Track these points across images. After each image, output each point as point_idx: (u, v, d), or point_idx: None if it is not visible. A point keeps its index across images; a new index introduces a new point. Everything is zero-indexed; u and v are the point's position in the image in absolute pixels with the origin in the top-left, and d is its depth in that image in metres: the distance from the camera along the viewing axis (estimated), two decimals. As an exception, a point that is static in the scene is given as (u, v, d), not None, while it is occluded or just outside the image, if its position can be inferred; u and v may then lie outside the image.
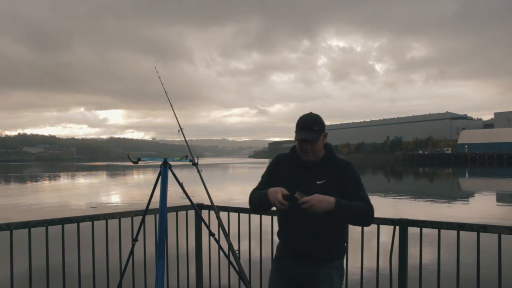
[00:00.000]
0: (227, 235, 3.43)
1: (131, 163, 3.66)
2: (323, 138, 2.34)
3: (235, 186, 31.92)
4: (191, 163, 3.77)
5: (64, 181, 42.93)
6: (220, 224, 3.50)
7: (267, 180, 2.46)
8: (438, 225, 2.88)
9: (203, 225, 3.85)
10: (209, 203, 3.70)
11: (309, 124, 2.30)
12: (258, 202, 2.33)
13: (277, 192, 2.16)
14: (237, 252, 3.37)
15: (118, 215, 3.48)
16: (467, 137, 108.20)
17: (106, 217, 3.39)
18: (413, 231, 2.99)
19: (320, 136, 2.30)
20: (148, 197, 3.51)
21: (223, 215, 3.73)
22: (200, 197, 4.12)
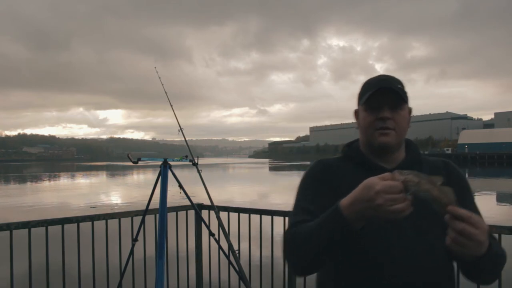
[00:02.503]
0: (227, 235, 3.43)
1: (131, 163, 3.66)
2: (409, 113, 1.43)
3: (235, 186, 31.93)
4: (191, 163, 3.77)
5: (64, 181, 42.93)
6: (220, 224, 3.50)
7: (315, 198, 1.37)
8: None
9: (203, 225, 3.85)
10: (209, 203, 3.70)
11: (389, 80, 1.40)
12: (319, 242, 1.21)
13: (389, 186, 1.08)
14: (237, 252, 3.37)
15: (118, 215, 3.48)
16: (467, 137, 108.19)
17: (106, 217, 3.39)
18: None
19: (407, 102, 1.40)
20: (148, 197, 3.51)
21: (223, 215, 3.72)
22: (200, 197, 4.12)
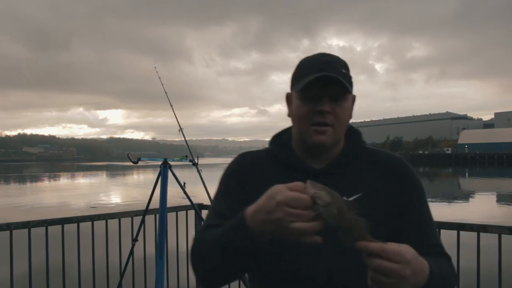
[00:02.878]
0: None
1: (131, 163, 3.67)
2: (352, 102, 1.23)
3: (235, 186, 31.85)
4: (191, 163, 3.77)
5: (64, 181, 42.94)
6: (220, 224, 3.50)
7: (231, 203, 1.17)
8: (438, 225, 2.88)
9: (203, 225, 3.84)
10: (209, 203, 3.70)
11: (331, 63, 1.15)
12: (221, 254, 1.03)
13: (292, 199, 0.90)
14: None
15: (118, 215, 3.47)
16: (467, 137, 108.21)
17: (106, 217, 3.39)
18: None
19: (351, 91, 1.18)
20: (148, 197, 3.51)
21: (223, 215, 3.72)
22: (200, 197, 4.12)
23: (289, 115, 1.24)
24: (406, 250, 0.89)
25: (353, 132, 1.29)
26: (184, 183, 3.58)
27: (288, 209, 0.88)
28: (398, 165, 1.24)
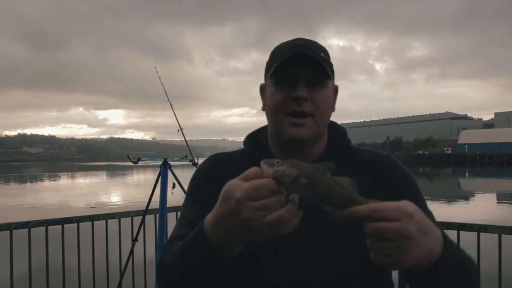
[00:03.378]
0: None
1: (131, 163, 3.67)
2: (335, 92, 1.11)
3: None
4: (191, 163, 3.77)
5: (64, 181, 42.96)
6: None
7: (202, 209, 0.94)
8: (438, 225, 2.87)
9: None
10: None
11: (308, 46, 1.04)
12: (185, 272, 0.88)
13: (257, 188, 0.72)
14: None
15: (118, 215, 3.47)
16: (467, 137, 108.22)
17: (106, 217, 3.39)
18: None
19: (332, 77, 1.06)
20: (148, 197, 3.51)
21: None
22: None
23: (263, 108, 1.11)
24: (404, 204, 0.72)
25: (337, 129, 1.15)
26: (174, 184, 3.59)
27: (253, 203, 0.70)
28: (387, 163, 1.09)
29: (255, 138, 1.17)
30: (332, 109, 1.09)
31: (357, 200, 0.72)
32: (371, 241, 0.71)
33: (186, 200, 1.12)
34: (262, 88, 1.14)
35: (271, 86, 1.05)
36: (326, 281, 0.95)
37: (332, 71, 1.06)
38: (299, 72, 1.01)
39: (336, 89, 1.12)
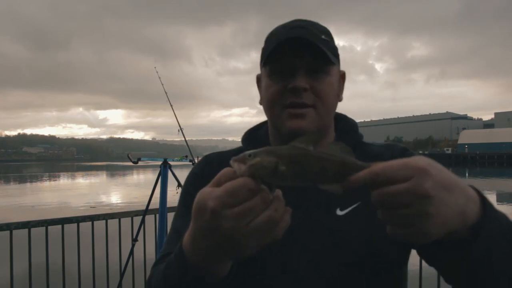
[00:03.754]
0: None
1: (131, 163, 3.67)
2: (341, 79, 1.00)
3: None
4: (191, 163, 3.77)
5: (64, 181, 42.97)
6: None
7: (189, 220, 0.71)
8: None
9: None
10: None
11: (306, 27, 0.92)
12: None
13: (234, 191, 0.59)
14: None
15: (118, 215, 3.48)
16: (467, 137, 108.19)
17: (106, 217, 3.39)
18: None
19: (337, 63, 0.95)
20: (148, 197, 3.51)
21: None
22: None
23: (261, 101, 0.99)
24: (415, 159, 0.58)
25: (346, 122, 1.02)
26: (179, 184, 3.59)
27: (232, 210, 0.58)
28: (403, 155, 0.92)
29: (255, 134, 1.06)
30: (338, 98, 0.97)
31: (355, 166, 0.59)
32: (382, 212, 0.57)
33: (178, 208, 0.99)
34: (259, 79, 1.01)
35: (266, 76, 0.94)
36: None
37: (337, 55, 0.94)
38: (297, 59, 0.88)
39: (343, 76, 1.00)
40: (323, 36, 0.91)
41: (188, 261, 0.68)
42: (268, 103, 0.94)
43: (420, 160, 0.58)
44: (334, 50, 0.93)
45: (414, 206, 0.54)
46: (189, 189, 0.99)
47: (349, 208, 0.88)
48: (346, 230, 0.86)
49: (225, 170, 0.62)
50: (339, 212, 0.88)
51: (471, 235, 0.62)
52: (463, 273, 0.68)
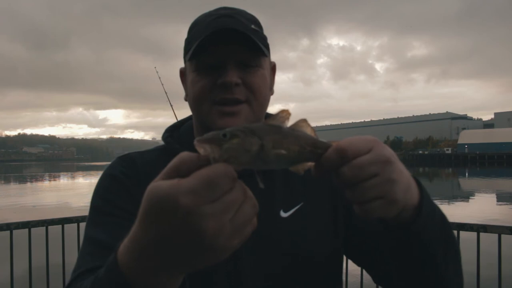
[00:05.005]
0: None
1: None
2: (272, 71, 0.95)
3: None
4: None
5: (64, 181, 42.99)
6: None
7: (115, 222, 0.81)
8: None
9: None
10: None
11: (234, 16, 0.86)
12: None
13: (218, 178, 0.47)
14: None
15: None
16: (467, 137, 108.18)
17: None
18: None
19: (268, 55, 0.89)
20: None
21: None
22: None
23: (186, 97, 0.91)
24: (363, 136, 0.59)
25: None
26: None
27: (214, 206, 0.46)
28: None
29: (177, 132, 0.97)
30: (270, 91, 0.91)
31: (323, 144, 0.56)
32: (351, 191, 0.57)
33: (92, 216, 0.84)
34: (182, 73, 0.93)
35: (192, 71, 0.85)
36: None
37: (267, 46, 0.88)
38: (226, 52, 0.81)
39: (273, 67, 0.93)
40: (252, 26, 0.85)
41: (127, 279, 0.53)
42: (195, 99, 0.85)
43: (367, 136, 0.59)
44: (264, 40, 0.87)
45: (380, 174, 0.56)
46: (107, 195, 0.85)
47: (293, 210, 0.85)
48: (290, 233, 0.83)
49: (185, 155, 0.49)
50: (282, 214, 0.85)
51: (413, 214, 0.64)
52: (399, 259, 0.71)
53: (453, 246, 0.73)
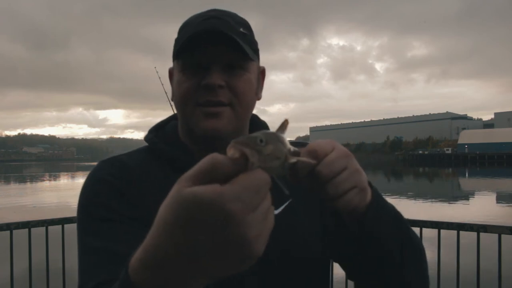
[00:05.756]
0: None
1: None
2: (261, 76, 0.95)
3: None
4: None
5: (64, 181, 43.01)
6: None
7: (114, 234, 0.75)
8: (438, 225, 2.88)
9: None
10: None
11: (222, 18, 0.86)
12: None
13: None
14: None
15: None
16: (467, 137, 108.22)
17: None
18: (412, 231, 2.98)
19: (256, 59, 0.90)
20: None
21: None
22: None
23: (172, 97, 0.92)
24: (323, 140, 0.64)
25: (259, 124, 0.97)
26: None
27: (256, 215, 0.45)
28: None
29: (162, 132, 0.95)
30: (257, 96, 0.91)
31: (296, 152, 0.57)
32: (328, 188, 0.62)
33: (85, 225, 0.80)
34: (171, 73, 0.93)
35: (179, 71, 0.86)
36: None
37: (256, 50, 0.89)
38: (213, 53, 0.82)
39: (262, 72, 0.94)
40: (241, 29, 0.85)
41: None
42: (180, 100, 0.86)
43: (324, 139, 0.65)
44: (253, 44, 0.88)
45: (348, 167, 0.63)
46: (98, 199, 0.81)
47: (283, 206, 0.86)
48: (281, 229, 0.81)
49: (217, 157, 0.46)
50: (274, 212, 0.82)
51: (365, 210, 0.69)
52: (357, 257, 0.75)
53: (412, 245, 0.76)
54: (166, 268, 0.47)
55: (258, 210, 0.45)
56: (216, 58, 0.82)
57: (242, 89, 0.84)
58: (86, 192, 0.84)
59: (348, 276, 0.87)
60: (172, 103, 0.95)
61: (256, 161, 0.47)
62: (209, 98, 0.82)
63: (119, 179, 0.83)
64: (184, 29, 0.88)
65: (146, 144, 0.94)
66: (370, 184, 0.71)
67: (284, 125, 0.55)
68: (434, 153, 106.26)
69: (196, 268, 0.47)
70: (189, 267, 0.47)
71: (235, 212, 0.43)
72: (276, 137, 0.52)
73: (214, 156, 0.46)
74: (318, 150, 0.61)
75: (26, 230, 2.97)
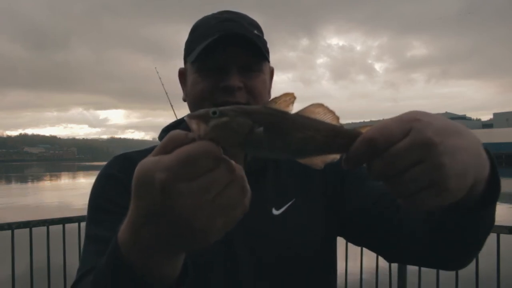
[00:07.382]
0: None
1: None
2: (270, 75, 0.96)
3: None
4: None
5: (65, 181, 43.01)
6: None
7: (115, 219, 0.63)
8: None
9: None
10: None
11: (237, 21, 0.88)
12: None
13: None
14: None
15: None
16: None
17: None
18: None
19: (268, 59, 0.90)
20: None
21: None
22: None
23: (185, 98, 0.92)
24: (404, 113, 0.49)
25: None
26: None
27: (190, 184, 0.44)
28: None
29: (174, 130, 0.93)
30: (269, 94, 0.94)
31: (347, 134, 0.48)
32: (389, 185, 0.47)
33: (92, 216, 0.85)
34: (182, 74, 0.94)
35: (194, 73, 0.87)
36: None
37: (267, 51, 0.90)
38: (230, 56, 0.83)
39: (271, 72, 0.96)
40: (255, 31, 0.87)
41: (127, 260, 0.51)
42: (196, 100, 0.86)
43: (410, 112, 0.48)
44: (265, 45, 0.89)
45: (424, 160, 0.45)
46: (106, 194, 0.85)
47: (285, 207, 0.87)
48: (283, 231, 0.84)
49: (174, 133, 0.47)
50: (275, 212, 0.86)
51: (487, 187, 0.58)
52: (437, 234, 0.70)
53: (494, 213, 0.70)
54: (136, 236, 0.49)
55: (196, 181, 0.44)
56: (233, 61, 0.84)
57: (259, 89, 0.86)
58: (97, 186, 0.90)
59: (387, 256, 0.85)
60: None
61: (202, 133, 0.46)
62: (227, 99, 0.82)
63: (126, 175, 0.82)
64: (198, 31, 0.89)
65: (148, 144, 0.96)
66: (488, 153, 0.58)
67: (280, 99, 0.49)
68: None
69: (156, 237, 0.48)
70: (149, 236, 0.48)
71: (161, 180, 0.43)
72: (243, 111, 0.47)
73: (172, 132, 0.47)
74: (378, 138, 0.45)
75: (27, 229, 2.99)
